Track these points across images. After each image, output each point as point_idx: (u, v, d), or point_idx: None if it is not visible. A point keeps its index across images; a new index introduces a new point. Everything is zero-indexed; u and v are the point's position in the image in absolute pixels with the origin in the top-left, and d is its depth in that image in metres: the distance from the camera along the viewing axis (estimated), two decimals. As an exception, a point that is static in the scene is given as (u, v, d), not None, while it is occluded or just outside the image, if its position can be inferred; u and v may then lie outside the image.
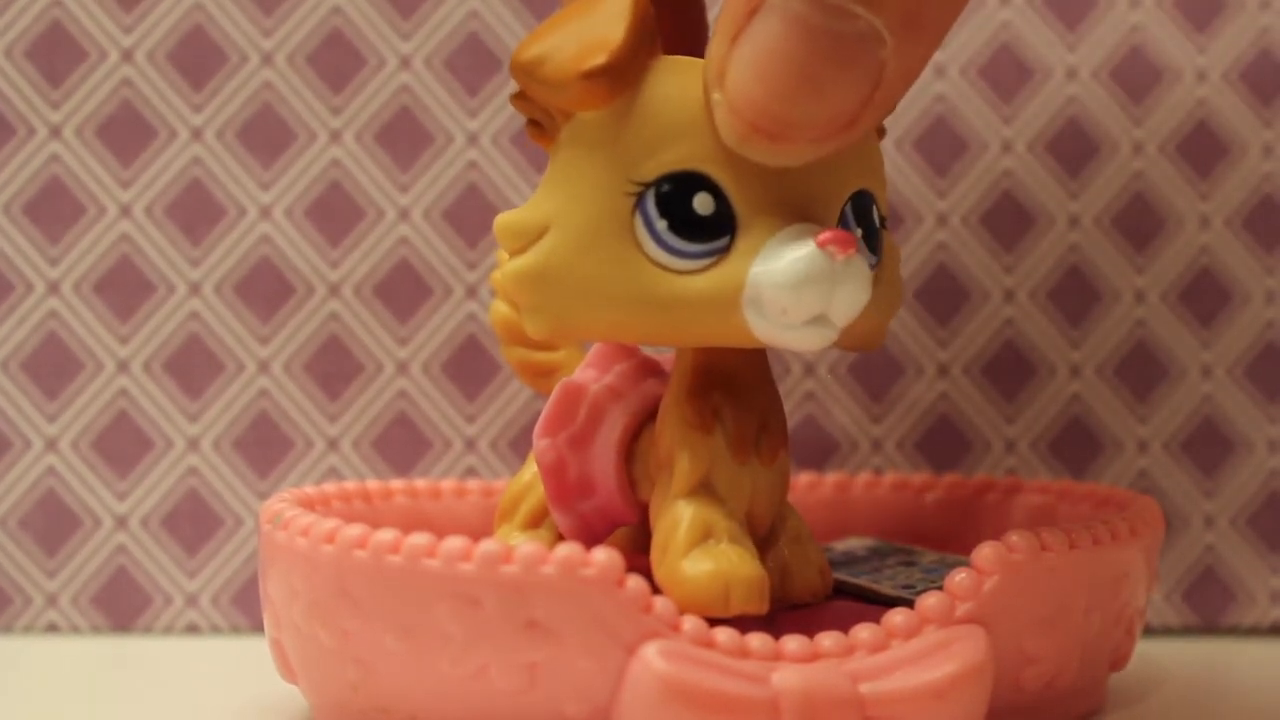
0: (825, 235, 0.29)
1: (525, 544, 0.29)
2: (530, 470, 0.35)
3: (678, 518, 0.31)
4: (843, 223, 0.30)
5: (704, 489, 0.31)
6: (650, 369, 0.33)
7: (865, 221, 0.31)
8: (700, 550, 0.30)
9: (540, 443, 0.33)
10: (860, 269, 0.29)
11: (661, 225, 0.29)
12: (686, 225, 0.29)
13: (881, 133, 0.33)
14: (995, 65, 0.43)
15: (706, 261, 0.29)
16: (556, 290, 0.30)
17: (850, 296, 0.29)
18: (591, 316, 0.30)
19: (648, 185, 0.29)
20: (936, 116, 0.43)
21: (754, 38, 0.28)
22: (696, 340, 0.30)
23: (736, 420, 0.31)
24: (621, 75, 0.29)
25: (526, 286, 0.30)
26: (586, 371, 0.34)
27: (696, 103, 0.29)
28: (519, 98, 0.31)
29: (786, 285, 0.29)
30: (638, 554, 0.33)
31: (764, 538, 0.32)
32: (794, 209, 0.30)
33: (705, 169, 0.29)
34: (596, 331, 0.31)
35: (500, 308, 0.38)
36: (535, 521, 0.35)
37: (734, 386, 0.31)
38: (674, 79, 0.30)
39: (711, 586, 0.30)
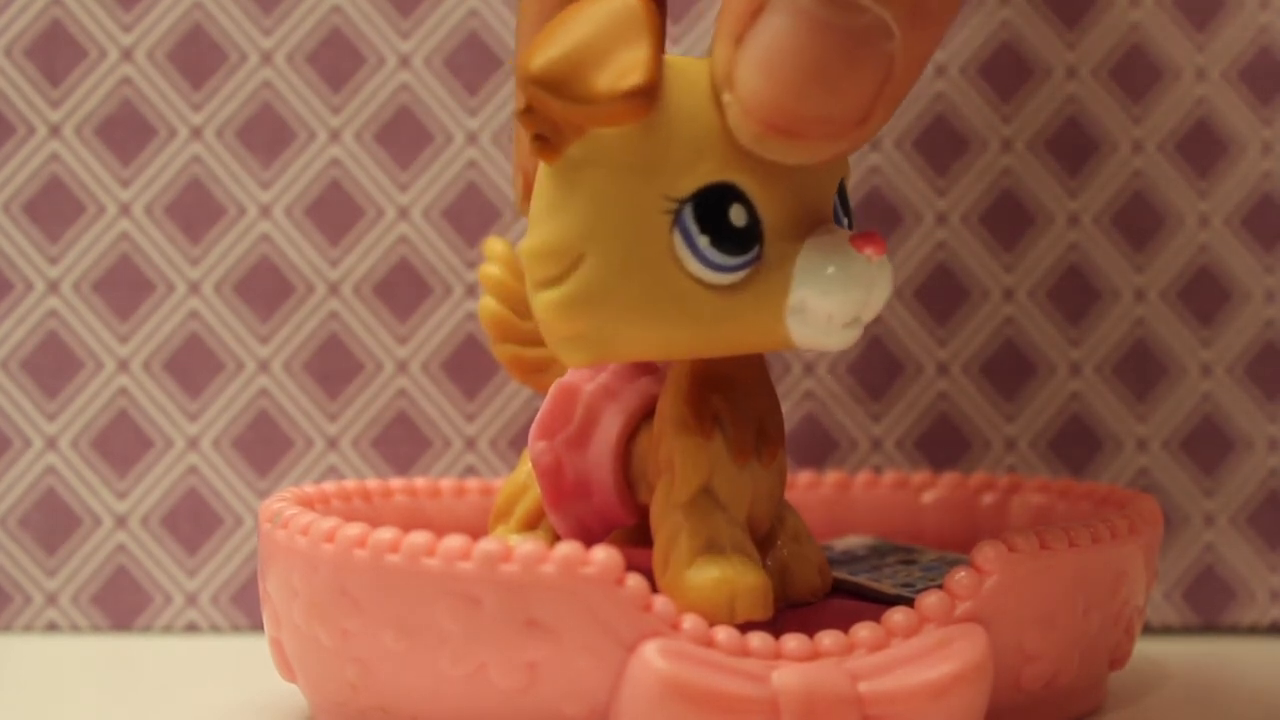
0: (860, 239, 0.29)
1: (525, 543, 0.29)
2: (525, 470, 0.35)
3: (679, 527, 0.30)
4: (835, 215, 0.30)
5: (705, 495, 0.31)
6: (643, 366, 0.33)
7: (846, 208, 0.31)
8: (704, 559, 0.30)
9: (536, 445, 0.33)
10: (887, 267, 0.29)
11: (703, 241, 0.29)
12: (725, 238, 0.29)
13: None
14: (995, 64, 0.43)
15: (744, 273, 0.29)
16: (600, 318, 0.29)
17: (882, 295, 0.29)
18: (636, 341, 0.29)
19: (684, 201, 0.29)
20: (936, 115, 0.43)
21: (761, 36, 0.28)
22: (736, 350, 0.30)
23: (736, 424, 0.31)
24: (657, 91, 0.29)
25: (569, 317, 0.29)
26: (580, 370, 0.33)
27: (716, 110, 0.29)
28: (527, 112, 0.29)
29: (834, 293, 0.29)
30: (636, 549, 0.33)
31: (763, 538, 0.32)
32: (807, 211, 0.29)
33: (734, 179, 0.29)
34: (639, 354, 0.30)
35: (490, 304, 0.37)
36: (532, 522, 0.35)
37: (732, 389, 0.31)
38: (691, 87, 0.29)
39: (716, 595, 0.30)
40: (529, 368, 0.37)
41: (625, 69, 0.28)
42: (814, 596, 0.33)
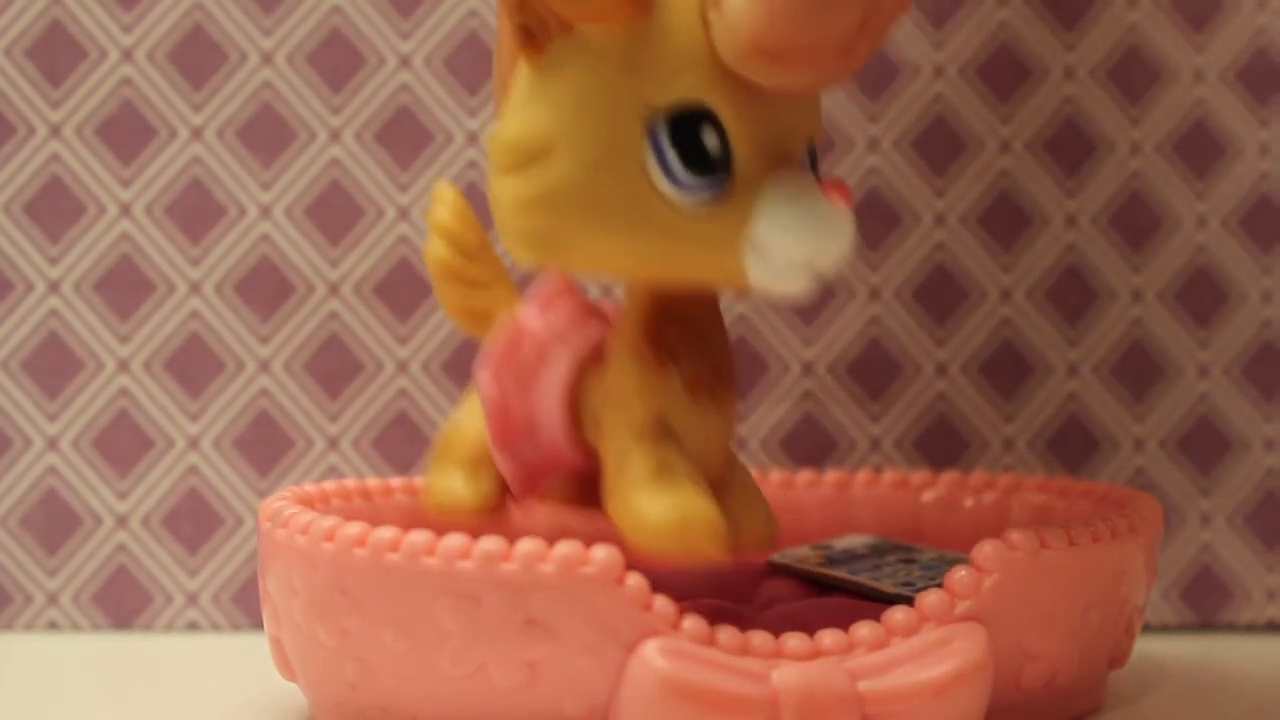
0: (828, 185, 0.29)
1: (525, 542, 0.29)
2: (464, 410, 0.35)
3: (630, 447, 0.30)
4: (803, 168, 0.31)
5: (659, 426, 0.30)
6: (592, 311, 0.33)
7: (814, 169, 0.31)
8: (656, 485, 0.30)
9: (483, 376, 0.33)
10: (850, 219, 0.29)
11: (672, 155, 0.29)
12: (695, 159, 0.29)
13: None
14: (993, 65, 0.43)
15: (708, 198, 0.29)
16: (560, 218, 0.29)
17: (842, 245, 0.29)
18: (591, 248, 0.30)
19: (660, 112, 0.29)
20: (935, 116, 0.43)
21: None
22: (685, 279, 0.30)
23: (691, 360, 0.31)
24: None
25: (528, 212, 0.29)
26: (528, 310, 0.33)
27: (701, 28, 0.29)
28: (520, 4, 0.29)
29: (794, 230, 0.29)
30: (577, 505, 0.33)
31: (714, 485, 0.32)
32: (777, 150, 0.30)
33: (711, 101, 0.29)
34: (591, 263, 0.30)
35: (436, 247, 0.36)
36: (472, 462, 0.34)
37: (689, 327, 0.31)
38: (680, 1, 0.29)
39: (668, 521, 0.29)
40: (475, 314, 0.37)
41: None
42: (762, 548, 0.33)
